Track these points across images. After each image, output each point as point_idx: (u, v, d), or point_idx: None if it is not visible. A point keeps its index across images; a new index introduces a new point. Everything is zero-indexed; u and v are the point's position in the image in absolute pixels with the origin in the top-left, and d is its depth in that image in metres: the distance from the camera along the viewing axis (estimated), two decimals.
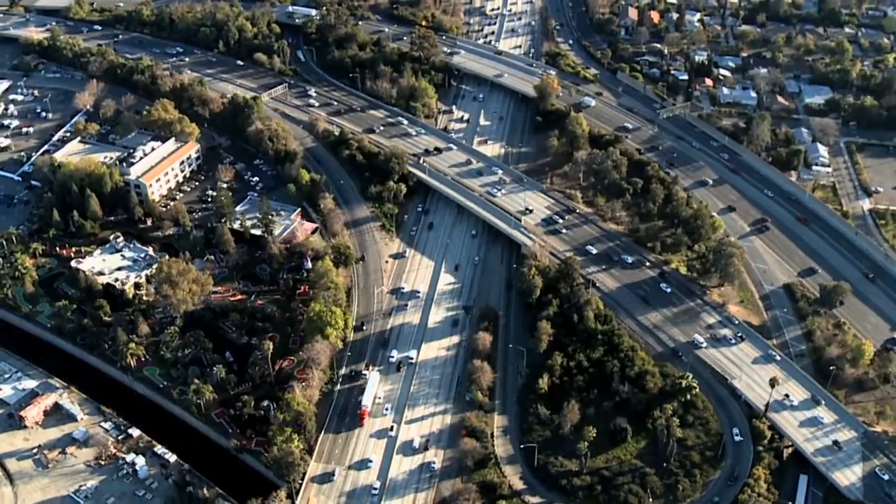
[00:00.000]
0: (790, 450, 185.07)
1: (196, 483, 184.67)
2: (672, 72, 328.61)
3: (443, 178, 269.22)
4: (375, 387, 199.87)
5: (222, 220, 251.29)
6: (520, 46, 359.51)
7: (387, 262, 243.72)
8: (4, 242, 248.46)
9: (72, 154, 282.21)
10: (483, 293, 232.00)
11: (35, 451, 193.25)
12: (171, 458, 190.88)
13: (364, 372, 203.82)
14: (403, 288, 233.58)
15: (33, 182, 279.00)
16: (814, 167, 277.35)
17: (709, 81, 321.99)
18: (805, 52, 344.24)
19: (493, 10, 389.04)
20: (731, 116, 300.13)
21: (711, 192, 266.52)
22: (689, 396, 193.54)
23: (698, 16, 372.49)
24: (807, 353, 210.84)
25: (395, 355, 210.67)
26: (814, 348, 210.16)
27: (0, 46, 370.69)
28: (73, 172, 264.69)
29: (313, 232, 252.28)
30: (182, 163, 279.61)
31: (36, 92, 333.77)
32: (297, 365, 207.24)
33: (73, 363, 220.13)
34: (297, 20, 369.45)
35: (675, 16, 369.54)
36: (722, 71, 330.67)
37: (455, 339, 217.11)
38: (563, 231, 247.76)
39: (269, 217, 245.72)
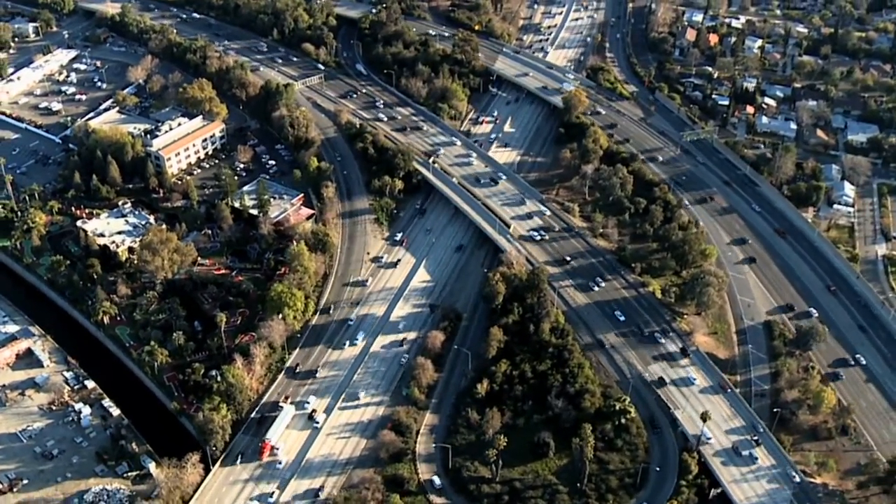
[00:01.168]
0: (718, 490, 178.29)
1: (129, 437, 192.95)
2: (714, 96, 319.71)
3: (447, 178, 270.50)
4: (285, 422, 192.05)
5: (224, 198, 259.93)
6: (568, 59, 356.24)
7: (368, 253, 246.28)
8: (27, 197, 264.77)
9: (107, 122, 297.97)
10: (455, 294, 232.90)
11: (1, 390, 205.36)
12: (115, 411, 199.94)
13: (281, 404, 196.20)
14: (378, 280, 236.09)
15: (71, 146, 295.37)
16: (835, 205, 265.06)
17: (750, 109, 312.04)
18: (862, 88, 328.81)
19: (549, 26, 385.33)
20: (763, 146, 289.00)
21: (718, 220, 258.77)
22: (623, 420, 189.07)
23: (759, 42, 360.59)
24: (767, 394, 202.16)
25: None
26: (775, 389, 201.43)
27: (80, 18, 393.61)
28: (101, 139, 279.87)
29: (308, 218, 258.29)
30: (205, 140, 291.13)
31: (98, 63, 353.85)
32: (256, 340, 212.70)
33: (59, 314, 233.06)
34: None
35: (733, 40, 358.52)
36: (767, 99, 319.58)
37: (412, 334, 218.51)
38: (549, 242, 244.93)
39: (264, 199, 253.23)
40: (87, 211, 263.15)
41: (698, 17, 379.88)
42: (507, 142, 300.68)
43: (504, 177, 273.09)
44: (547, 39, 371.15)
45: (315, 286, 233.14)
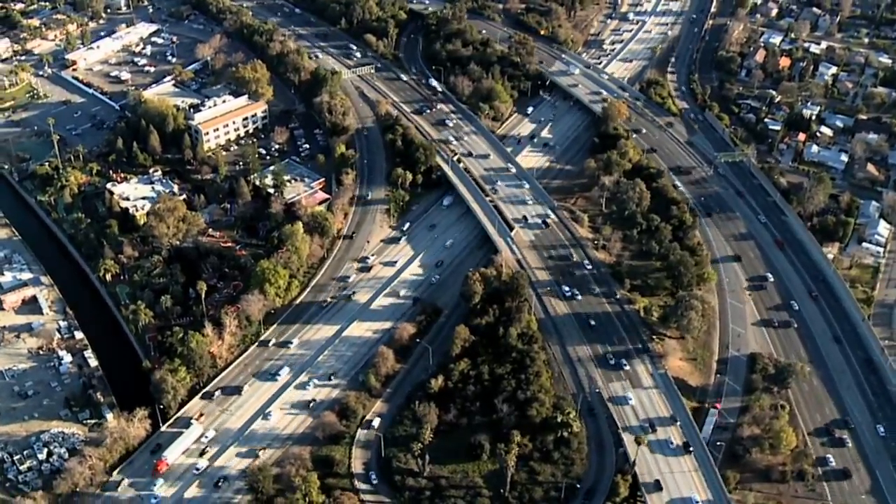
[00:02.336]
0: None
1: (99, 388, 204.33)
2: (767, 119, 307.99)
3: (465, 176, 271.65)
4: (187, 441, 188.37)
5: (245, 176, 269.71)
6: (629, 71, 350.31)
7: (368, 241, 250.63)
8: (72, 157, 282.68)
9: (160, 94, 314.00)
10: (443, 290, 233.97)
11: None
12: (93, 363, 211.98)
13: (193, 420, 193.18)
14: (370, 268, 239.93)
15: (127, 113, 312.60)
16: (864, 244, 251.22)
17: (802, 136, 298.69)
18: None
19: (616, 40, 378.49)
20: (808, 175, 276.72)
21: (732, 244, 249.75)
22: (564, 433, 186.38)
23: (833, 70, 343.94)
24: (731, 427, 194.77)
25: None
26: (737, 424, 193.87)
27: None
28: (148, 109, 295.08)
29: (321, 202, 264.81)
30: (246, 119, 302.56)
31: (174, 38, 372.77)
32: (237, 314, 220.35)
33: (73, 268, 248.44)
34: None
35: (803, 64, 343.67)
36: (824, 128, 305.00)
37: (388, 324, 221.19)
38: (546, 249, 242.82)
39: (280, 179, 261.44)
40: (122, 175, 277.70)
41: (776, 40, 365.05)
42: (541, 146, 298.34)
43: (526, 183, 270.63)
44: (611, 51, 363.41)
45: (310, 267, 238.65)
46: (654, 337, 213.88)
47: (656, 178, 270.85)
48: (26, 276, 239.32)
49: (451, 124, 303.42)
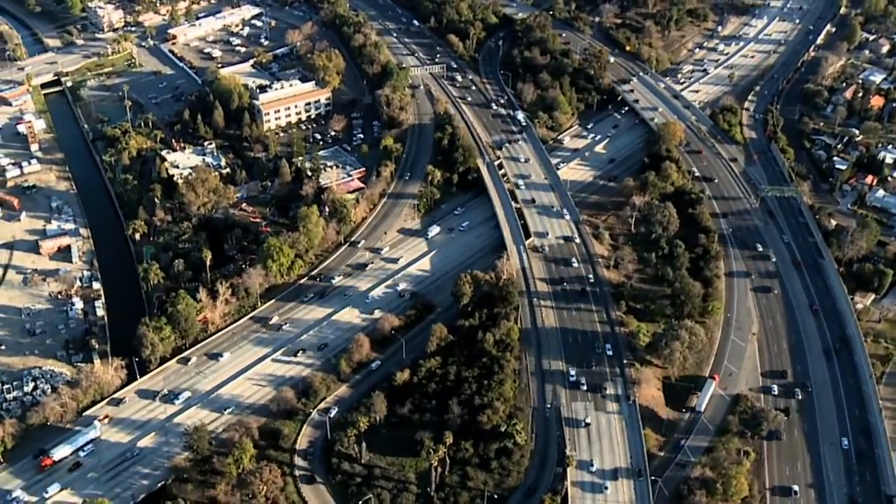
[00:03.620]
0: None
1: (98, 336, 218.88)
2: (836, 158, 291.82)
3: (499, 180, 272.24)
4: (79, 442, 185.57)
5: (290, 158, 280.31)
6: (708, 94, 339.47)
7: (385, 232, 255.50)
8: (141, 123, 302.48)
9: (236, 73, 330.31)
10: (445, 289, 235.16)
11: (29, 271, 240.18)
12: (100, 312, 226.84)
13: (96, 421, 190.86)
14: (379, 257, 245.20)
15: (206, 88, 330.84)
16: None
17: (870, 179, 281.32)
18: None
19: (703, 64, 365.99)
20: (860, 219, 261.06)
21: (755, 280, 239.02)
22: (508, 444, 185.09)
23: None
24: (689, 466, 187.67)
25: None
26: (694, 464, 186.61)
27: None
28: (220, 86, 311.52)
29: (354, 190, 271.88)
30: (308, 104, 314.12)
31: (273, 22, 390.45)
32: (236, 287, 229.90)
33: (114, 225, 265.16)
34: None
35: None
36: None
37: (378, 314, 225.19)
38: (555, 262, 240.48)
39: (315, 164, 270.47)
40: (181, 144, 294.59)
41: (876, 78, 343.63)
42: (591, 161, 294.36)
43: (553, 192, 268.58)
44: (695, 74, 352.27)
45: (324, 250, 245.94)
46: (634, 362, 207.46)
47: (694, 205, 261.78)
48: (69, 226, 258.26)
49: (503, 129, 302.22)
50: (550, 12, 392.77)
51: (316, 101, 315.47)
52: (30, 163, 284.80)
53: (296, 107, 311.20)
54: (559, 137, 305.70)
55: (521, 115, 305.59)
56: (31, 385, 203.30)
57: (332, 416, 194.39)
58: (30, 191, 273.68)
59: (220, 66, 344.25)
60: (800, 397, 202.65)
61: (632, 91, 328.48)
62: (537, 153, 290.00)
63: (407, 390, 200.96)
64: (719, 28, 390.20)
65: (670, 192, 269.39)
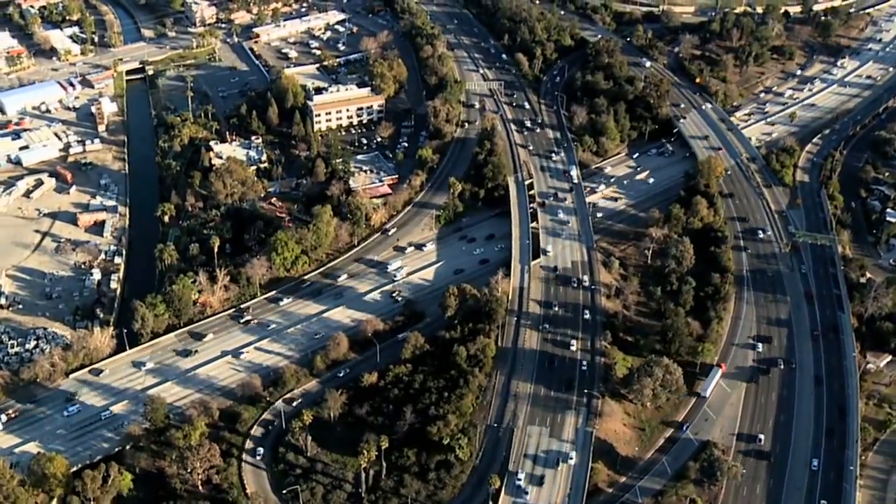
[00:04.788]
0: None
1: (105, 306, 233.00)
2: (890, 209, 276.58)
3: (524, 200, 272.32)
4: None
5: (327, 159, 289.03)
6: (768, 134, 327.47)
7: (398, 239, 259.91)
8: (202, 114, 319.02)
9: (299, 74, 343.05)
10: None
11: (63, 240, 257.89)
12: (113, 285, 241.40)
13: (2, 415, 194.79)
14: (388, 265, 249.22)
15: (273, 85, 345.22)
16: None
17: None
18: None
19: (776, 101, 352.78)
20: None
21: (762, 326, 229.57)
22: (449, 457, 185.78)
23: None
24: None
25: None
26: None
27: None
28: (280, 85, 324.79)
29: (381, 196, 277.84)
30: (360, 109, 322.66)
31: (355, 29, 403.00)
32: (237, 275, 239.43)
33: (153, 204, 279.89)
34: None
35: None
36: None
37: (367, 317, 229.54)
38: (555, 284, 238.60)
39: (346, 167, 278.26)
40: (234, 136, 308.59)
41: None
42: (628, 189, 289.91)
43: (577, 217, 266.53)
44: (761, 113, 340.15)
45: (336, 250, 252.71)
46: (604, 394, 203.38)
47: (718, 244, 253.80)
48: (110, 203, 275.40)
49: (543, 143, 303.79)
50: (628, 39, 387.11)
51: (368, 107, 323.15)
52: (93, 141, 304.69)
53: (347, 111, 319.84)
54: (601, 164, 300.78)
55: (574, 171, 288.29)
56: (33, 343, 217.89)
57: (291, 407, 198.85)
58: (85, 167, 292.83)
59: (287, 66, 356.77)
60: (770, 459, 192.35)
61: (689, 123, 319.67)
62: (568, 177, 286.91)
63: (372, 392, 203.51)
64: (801, 68, 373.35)
65: (697, 228, 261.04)
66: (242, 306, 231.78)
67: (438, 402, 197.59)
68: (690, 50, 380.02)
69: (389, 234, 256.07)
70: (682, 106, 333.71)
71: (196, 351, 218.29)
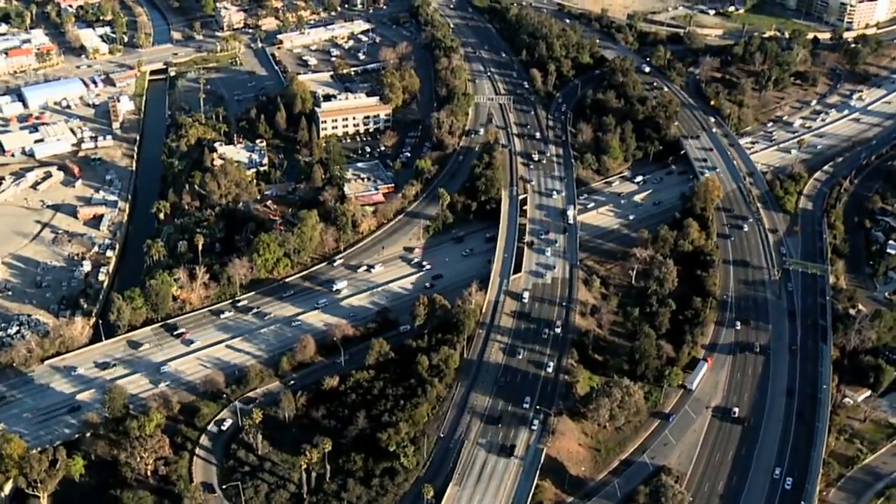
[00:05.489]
0: None
1: (89, 297, 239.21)
2: (891, 241, 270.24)
3: (514, 215, 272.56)
4: None
5: (326, 166, 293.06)
6: (779, 160, 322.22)
7: (383, 248, 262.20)
8: (213, 116, 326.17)
9: (312, 80, 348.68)
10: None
11: (60, 231, 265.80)
12: (101, 277, 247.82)
13: None
14: (371, 269, 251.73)
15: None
16: None
17: None
18: None
19: (787, 124, 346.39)
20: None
21: (737, 356, 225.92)
22: (394, 464, 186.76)
23: None
24: None
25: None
26: None
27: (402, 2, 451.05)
28: (290, 90, 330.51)
29: (372, 203, 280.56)
30: (367, 118, 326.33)
31: (378, 39, 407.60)
32: (220, 273, 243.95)
33: (154, 201, 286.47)
34: None
35: None
36: None
37: (341, 321, 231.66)
38: (531, 300, 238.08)
39: (339, 175, 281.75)
40: (241, 139, 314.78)
41: None
42: (624, 208, 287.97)
43: (566, 233, 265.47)
44: (773, 138, 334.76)
45: (322, 255, 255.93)
46: (562, 412, 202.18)
47: (706, 268, 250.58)
48: (112, 198, 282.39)
49: (544, 161, 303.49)
50: (647, 59, 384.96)
51: (375, 116, 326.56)
52: (105, 138, 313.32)
53: (354, 118, 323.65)
54: (600, 182, 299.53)
55: (571, 212, 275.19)
56: (16, 328, 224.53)
57: (253, 405, 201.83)
58: (94, 162, 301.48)
59: (305, 72, 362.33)
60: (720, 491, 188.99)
61: (696, 145, 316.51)
62: (567, 195, 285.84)
63: (332, 396, 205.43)
64: (823, 96, 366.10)
65: (688, 252, 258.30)
66: (219, 305, 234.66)
67: (393, 409, 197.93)
68: (710, 72, 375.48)
69: (336, 262, 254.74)
70: (692, 127, 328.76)
71: (168, 346, 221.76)
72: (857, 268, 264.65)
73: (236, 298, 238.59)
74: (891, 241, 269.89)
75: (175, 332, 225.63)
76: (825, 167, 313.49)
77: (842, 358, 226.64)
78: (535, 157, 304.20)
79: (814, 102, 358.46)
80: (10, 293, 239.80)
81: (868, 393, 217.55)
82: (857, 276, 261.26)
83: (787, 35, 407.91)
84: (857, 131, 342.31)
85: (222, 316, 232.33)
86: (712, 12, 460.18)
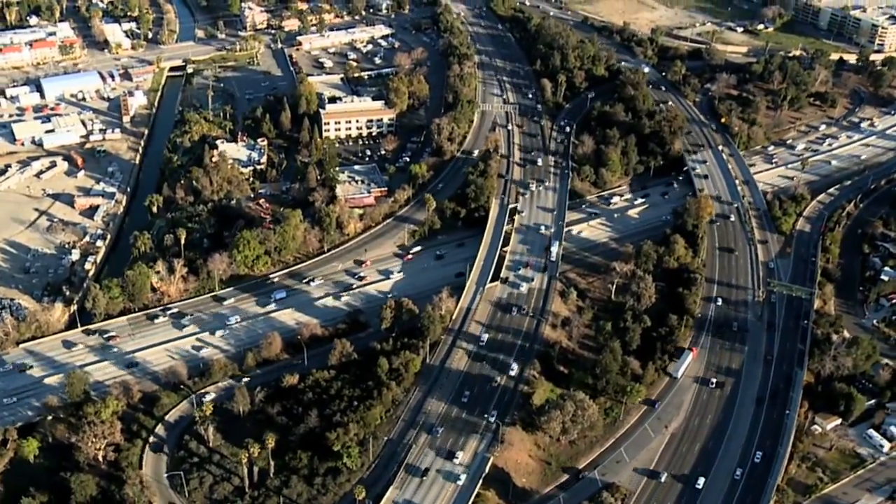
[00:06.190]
0: None
1: (74, 284, 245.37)
2: (887, 267, 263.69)
3: (500, 224, 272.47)
4: None
5: (322, 167, 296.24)
6: (783, 180, 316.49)
7: (365, 250, 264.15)
8: (221, 114, 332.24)
9: (321, 82, 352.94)
10: None
11: (56, 220, 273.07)
12: (87, 266, 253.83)
13: None
14: (357, 272, 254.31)
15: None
16: (872, 432, 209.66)
17: None
18: None
19: (805, 148, 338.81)
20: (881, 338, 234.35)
21: (709, 374, 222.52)
22: (337, 464, 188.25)
23: None
24: None
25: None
26: None
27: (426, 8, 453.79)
28: (298, 91, 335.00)
29: (361, 206, 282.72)
30: (370, 121, 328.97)
31: (396, 44, 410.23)
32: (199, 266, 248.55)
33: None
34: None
35: None
36: None
37: (311, 321, 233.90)
38: (504, 309, 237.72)
39: (333, 177, 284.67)
40: (244, 137, 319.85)
41: None
42: (617, 222, 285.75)
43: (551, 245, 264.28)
44: (780, 158, 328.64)
45: (305, 254, 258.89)
46: (515, 423, 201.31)
47: (688, 286, 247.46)
48: (111, 190, 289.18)
49: (540, 175, 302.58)
50: (663, 74, 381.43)
51: (378, 120, 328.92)
52: (113, 131, 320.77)
53: (357, 122, 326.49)
54: (596, 195, 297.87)
55: (555, 248, 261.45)
56: None
57: (213, 398, 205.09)
58: (99, 154, 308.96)
59: (318, 74, 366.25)
60: None
61: (702, 161, 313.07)
62: (559, 206, 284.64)
63: (290, 393, 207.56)
64: (841, 118, 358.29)
65: (673, 269, 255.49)
66: (193, 299, 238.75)
67: (346, 410, 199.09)
68: (726, 89, 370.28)
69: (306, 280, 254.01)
70: (698, 143, 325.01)
71: (140, 335, 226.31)
72: (848, 293, 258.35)
73: (215, 293, 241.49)
74: (886, 268, 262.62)
75: (105, 336, 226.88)
76: (831, 189, 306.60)
77: (816, 384, 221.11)
78: (532, 186, 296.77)
79: (822, 127, 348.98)
80: None
81: (839, 421, 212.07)
82: (847, 301, 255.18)
83: (811, 54, 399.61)
84: (871, 154, 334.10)
85: (196, 310, 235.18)
86: (740, 30, 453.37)
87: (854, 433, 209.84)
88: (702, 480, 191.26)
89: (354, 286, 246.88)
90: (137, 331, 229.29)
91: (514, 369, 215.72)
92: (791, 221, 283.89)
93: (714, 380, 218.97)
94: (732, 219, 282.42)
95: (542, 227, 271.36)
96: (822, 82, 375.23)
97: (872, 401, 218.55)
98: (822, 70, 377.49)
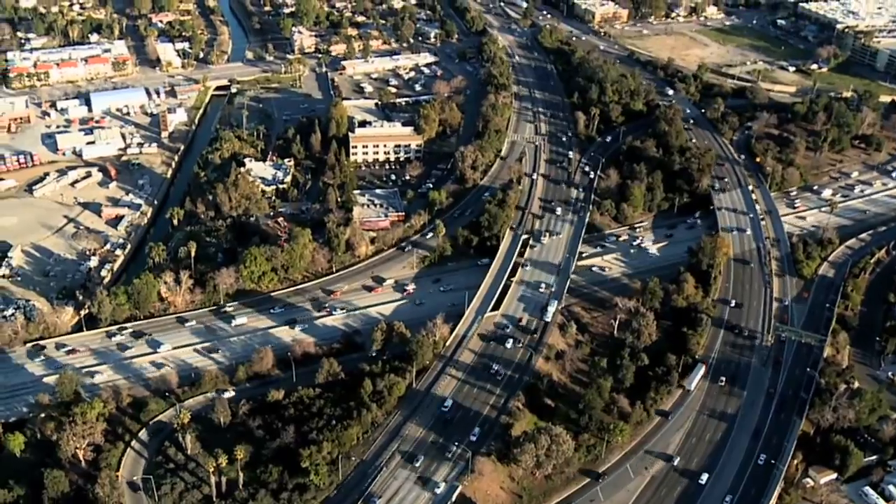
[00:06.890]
0: None
1: (86, 291, 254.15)
2: None
3: (510, 254, 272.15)
4: None
5: (342, 190, 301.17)
6: (813, 223, 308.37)
7: (371, 271, 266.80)
8: (254, 132, 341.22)
9: (356, 107, 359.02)
10: None
11: (81, 227, 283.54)
12: (103, 273, 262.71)
13: None
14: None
15: None
16: (868, 490, 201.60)
17: None
18: None
19: (836, 188, 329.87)
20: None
21: (702, 419, 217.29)
22: (304, 480, 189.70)
23: None
24: None
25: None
26: None
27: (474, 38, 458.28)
28: (331, 114, 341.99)
29: (376, 230, 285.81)
30: (398, 147, 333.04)
31: (439, 72, 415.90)
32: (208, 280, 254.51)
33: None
34: None
35: None
36: None
37: (307, 339, 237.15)
38: (499, 339, 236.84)
39: (351, 199, 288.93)
40: (274, 157, 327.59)
41: None
42: (633, 258, 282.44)
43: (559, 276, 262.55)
44: (813, 201, 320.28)
45: (314, 273, 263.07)
46: (490, 454, 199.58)
47: (693, 326, 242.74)
48: (138, 201, 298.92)
49: (559, 210, 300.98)
50: (703, 111, 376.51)
51: (406, 146, 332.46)
52: (150, 145, 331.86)
53: (385, 146, 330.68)
54: (616, 230, 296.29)
55: (552, 308, 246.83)
56: (11, 311, 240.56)
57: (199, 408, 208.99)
58: (132, 166, 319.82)
59: (364, 99, 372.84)
60: None
61: (726, 200, 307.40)
62: (573, 239, 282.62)
63: (273, 408, 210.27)
64: (883, 164, 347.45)
65: (681, 307, 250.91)
66: (195, 311, 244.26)
67: (323, 428, 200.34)
68: (766, 128, 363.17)
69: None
70: (726, 180, 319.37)
71: (140, 343, 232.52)
72: (866, 343, 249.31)
73: (219, 305, 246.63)
74: None
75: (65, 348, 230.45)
76: (862, 234, 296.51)
77: (815, 435, 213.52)
78: (544, 238, 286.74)
79: (854, 174, 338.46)
80: (19, 278, 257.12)
81: (833, 476, 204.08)
82: (863, 351, 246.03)
83: (860, 95, 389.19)
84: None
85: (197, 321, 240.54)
86: (792, 69, 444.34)
87: (849, 490, 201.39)
88: None
89: (315, 317, 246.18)
90: (137, 338, 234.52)
91: (499, 399, 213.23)
92: (813, 265, 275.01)
93: (709, 419, 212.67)
94: (752, 265, 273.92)
95: (543, 286, 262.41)
96: (870, 125, 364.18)
97: (874, 457, 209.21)
98: (870, 112, 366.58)
